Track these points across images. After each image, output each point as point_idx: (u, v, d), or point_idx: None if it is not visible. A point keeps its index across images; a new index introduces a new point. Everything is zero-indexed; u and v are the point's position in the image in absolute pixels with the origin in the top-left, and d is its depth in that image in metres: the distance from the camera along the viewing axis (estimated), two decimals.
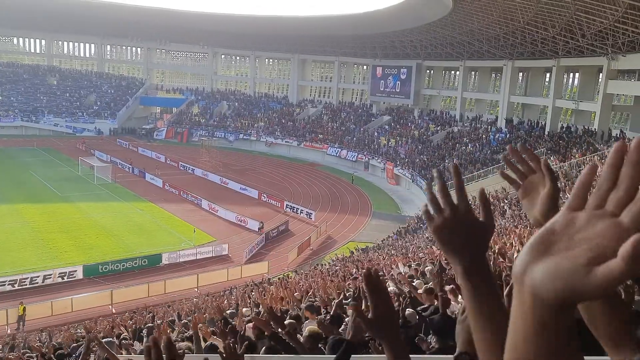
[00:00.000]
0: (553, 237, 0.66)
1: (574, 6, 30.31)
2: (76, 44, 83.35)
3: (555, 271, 0.62)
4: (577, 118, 43.27)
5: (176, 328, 11.97)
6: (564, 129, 41.54)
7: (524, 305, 0.68)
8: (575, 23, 33.44)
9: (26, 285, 25.16)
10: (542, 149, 38.53)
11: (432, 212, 1.08)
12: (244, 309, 11.73)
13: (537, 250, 0.66)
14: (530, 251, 0.67)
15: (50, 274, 26.05)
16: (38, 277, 25.71)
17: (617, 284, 0.57)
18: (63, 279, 26.18)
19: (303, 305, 7.21)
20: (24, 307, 22.11)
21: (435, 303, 5.80)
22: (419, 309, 6.01)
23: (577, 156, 33.60)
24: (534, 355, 0.67)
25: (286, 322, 5.60)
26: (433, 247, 18.97)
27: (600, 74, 38.69)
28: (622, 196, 0.62)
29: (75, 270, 26.75)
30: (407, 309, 5.74)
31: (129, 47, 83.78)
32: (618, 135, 35.24)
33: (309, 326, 5.42)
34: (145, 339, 9.10)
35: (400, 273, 12.57)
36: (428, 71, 61.27)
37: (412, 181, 46.49)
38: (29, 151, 57.59)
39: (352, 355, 3.08)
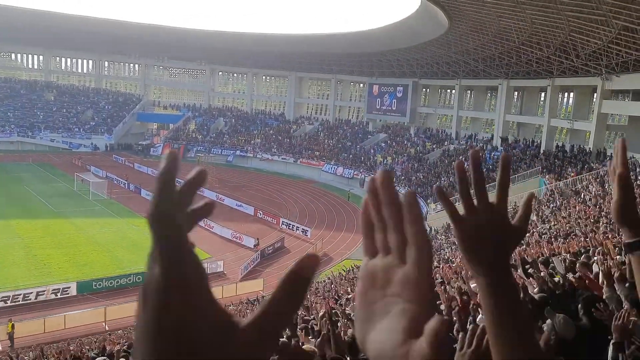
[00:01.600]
0: (368, 296, 0.65)
1: (568, 27, 30.68)
2: (74, 60, 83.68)
3: (380, 346, 0.61)
4: (572, 137, 43.55)
5: None
6: (559, 148, 41.78)
7: None
8: (569, 43, 33.82)
9: (19, 301, 24.89)
10: (538, 167, 38.73)
11: (461, 212, 0.90)
12: None
13: (363, 315, 0.65)
14: (358, 315, 0.66)
15: (44, 291, 25.80)
16: (31, 293, 25.45)
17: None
18: (56, 295, 25.93)
19: (298, 327, 7.16)
20: (13, 325, 21.82)
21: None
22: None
23: (572, 175, 33.75)
24: None
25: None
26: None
27: (595, 94, 39.05)
28: (395, 240, 0.64)
29: (69, 287, 26.51)
30: None
31: (126, 64, 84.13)
32: (612, 155, 35.41)
33: (305, 346, 5.39)
34: None
35: None
36: (424, 89, 61.71)
37: None
38: (25, 166, 57.42)
39: None
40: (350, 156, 59.30)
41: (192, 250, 0.59)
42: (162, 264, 0.56)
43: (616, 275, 5.50)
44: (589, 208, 23.59)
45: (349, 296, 15.77)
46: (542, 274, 7.89)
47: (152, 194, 0.56)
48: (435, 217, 38.31)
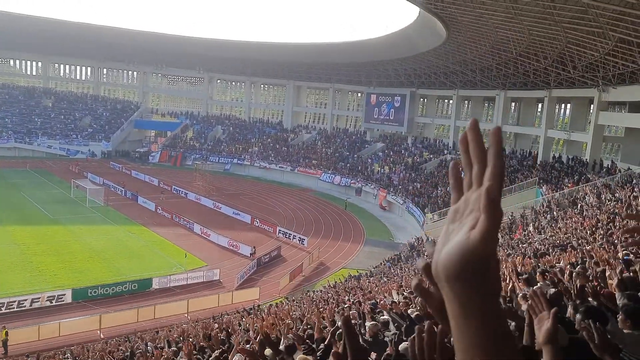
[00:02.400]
0: (449, 230, 0.75)
1: (566, 39, 30.84)
2: (72, 67, 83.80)
3: (450, 247, 0.72)
4: (569, 148, 43.67)
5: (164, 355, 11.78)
6: (556, 159, 41.89)
7: (448, 298, 0.74)
8: (566, 55, 33.99)
9: (14, 308, 24.76)
10: (535, 178, 38.80)
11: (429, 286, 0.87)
12: (233, 337, 11.59)
13: (441, 243, 0.75)
14: (437, 251, 0.76)
15: (39, 298, 25.67)
16: (26, 300, 25.31)
17: (491, 234, 0.68)
18: (51, 302, 25.80)
19: (290, 336, 7.13)
20: (7, 332, 21.65)
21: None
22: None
23: (569, 186, 33.82)
24: (469, 344, 0.71)
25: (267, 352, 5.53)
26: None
27: (591, 105, 39.21)
28: (477, 169, 0.75)
29: (64, 294, 26.38)
30: (402, 342, 5.69)
31: (125, 71, 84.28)
32: (609, 166, 35.57)
33: (299, 355, 5.36)
34: None
35: (395, 302, 12.50)
36: (422, 99, 61.92)
37: (406, 208, 46.54)
38: (22, 173, 57.30)
39: None
40: (348, 165, 59.34)
41: None
42: None
43: (615, 282, 5.50)
44: (585, 219, 23.63)
45: (346, 305, 15.72)
46: (539, 284, 7.88)
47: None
48: (432, 227, 38.31)
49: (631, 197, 23.97)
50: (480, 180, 0.74)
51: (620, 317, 4.34)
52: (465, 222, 0.73)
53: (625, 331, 4.22)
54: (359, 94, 69.47)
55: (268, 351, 5.37)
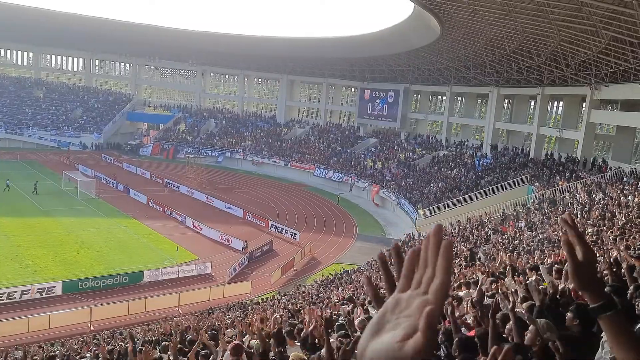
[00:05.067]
0: (385, 318, 0.77)
1: (559, 37, 30.95)
2: (64, 58, 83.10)
3: (379, 349, 0.73)
4: (561, 146, 43.88)
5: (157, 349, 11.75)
6: (548, 156, 42.09)
7: None
8: (560, 53, 34.12)
9: (3, 300, 24.62)
10: (526, 175, 39.00)
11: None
12: (227, 330, 11.59)
13: (373, 330, 0.77)
14: (368, 331, 0.77)
15: (29, 290, 25.53)
16: (15, 292, 25.18)
17: (423, 352, 0.70)
18: (41, 294, 25.67)
19: (284, 331, 7.13)
20: None
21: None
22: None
23: (560, 183, 34.02)
24: None
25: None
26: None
27: (584, 103, 39.40)
28: (429, 275, 0.77)
29: (54, 286, 26.26)
30: None
31: (117, 63, 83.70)
32: (600, 164, 35.78)
33: (293, 352, 5.38)
34: None
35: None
36: (415, 95, 61.95)
37: (398, 204, 46.64)
38: (12, 164, 56.76)
39: None
40: (341, 160, 59.31)
41: None
42: None
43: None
44: (576, 217, 23.77)
45: (337, 300, 15.76)
46: (530, 280, 7.93)
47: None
48: (424, 223, 38.43)
49: (622, 194, 24.14)
50: (427, 287, 0.76)
51: (568, 315, 4.37)
52: (401, 323, 0.74)
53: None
54: (353, 89, 69.39)
55: (254, 342, 5.37)
